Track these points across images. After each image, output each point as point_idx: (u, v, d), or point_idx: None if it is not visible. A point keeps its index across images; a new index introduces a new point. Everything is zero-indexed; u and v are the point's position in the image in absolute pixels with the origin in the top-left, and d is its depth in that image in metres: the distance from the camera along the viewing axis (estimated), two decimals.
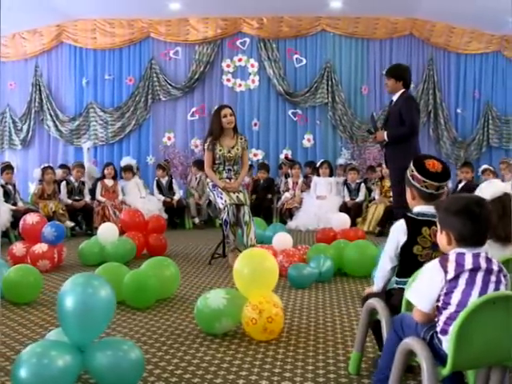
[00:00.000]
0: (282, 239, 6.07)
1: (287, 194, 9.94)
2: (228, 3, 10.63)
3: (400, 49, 11.40)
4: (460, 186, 8.40)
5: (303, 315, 4.41)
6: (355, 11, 10.74)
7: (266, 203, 9.87)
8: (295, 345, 3.71)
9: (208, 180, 6.63)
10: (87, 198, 9.23)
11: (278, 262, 5.65)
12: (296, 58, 11.44)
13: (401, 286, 2.97)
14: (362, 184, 9.78)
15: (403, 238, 2.93)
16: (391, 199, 9.00)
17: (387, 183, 9.36)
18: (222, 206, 6.28)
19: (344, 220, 7.44)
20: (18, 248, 6.03)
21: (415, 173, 3.00)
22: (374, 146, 11.24)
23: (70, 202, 8.92)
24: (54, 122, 11.44)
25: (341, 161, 11.10)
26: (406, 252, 2.95)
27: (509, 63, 11.49)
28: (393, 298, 3.05)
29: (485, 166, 8.23)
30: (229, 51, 11.48)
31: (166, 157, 11.25)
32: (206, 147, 6.53)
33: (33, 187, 10.24)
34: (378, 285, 3.14)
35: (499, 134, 11.47)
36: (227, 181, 6.46)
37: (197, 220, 9.72)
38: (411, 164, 3.05)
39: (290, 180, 10.19)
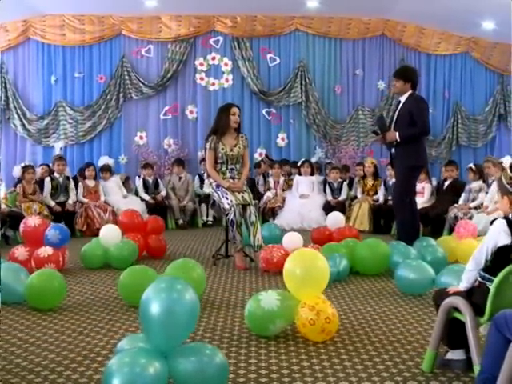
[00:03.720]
0: (293, 239, 6.05)
1: (269, 194, 9.92)
2: (201, 1, 10.52)
3: (372, 49, 11.54)
4: (446, 184, 8.58)
5: (340, 315, 4.39)
6: (332, 11, 10.81)
7: None
8: (352, 345, 3.70)
9: (211, 180, 6.53)
10: (72, 194, 8.96)
11: None
12: (270, 57, 11.41)
13: (485, 282, 2.98)
14: (344, 183, 9.85)
15: (504, 240, 2.94)
16: (374, 197, 9.20)
17: (369, 182, 9.48)
18: (227, 206, 6.20)
19: (338, 219, 7.48)
20: (21, 252, 5.79)
21: None
22: (347, 145, 11.40)
23: (52, 203, 8.62)
24: (21, 120, 11.01)
25: (314, 159, 11.14)
26: (502, 255, 2.95)
27: (476, 64, 11.81)
28: (474, 296, 3.07)
29: (469, 165, 8.44)
30: (202, 49, 11.35)
31: (139, 156, 11.08)
32: (208, 146, 6.45)
33: (2, 188, 9.89)
34: (468, 282, 3.12)
35: (468, 133, 11.78)
36: (231, 181, 6.40)
37: (181, 221, 9.60)
38: (508, 171, 3.03)
39: (271, 179, 10.17)
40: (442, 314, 3.16)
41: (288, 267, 3.91)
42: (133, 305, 4.63)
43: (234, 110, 6.43)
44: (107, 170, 9.64)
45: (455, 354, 3.29)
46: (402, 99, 6.59)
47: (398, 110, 6.63)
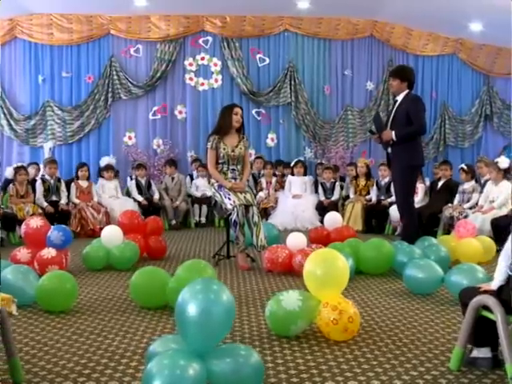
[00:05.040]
0: (297, 239, 6.07)
1: (261, 194, 9.91)
2: (190, 1, 10.49)
3: (361, 49, 11.65)
4: (440, 183, 8.65)
5: None
6: (322, 12, 10.85)
7: None
8: (374, 344, 3.72)
9: (213, 180, 6.52)
10: (64, 196, 8.87)
11: (297, 263, 5.71)
12: (259, 58, 11.43)
13: None
14: (337, 183, 9.90)
15: None
16: (367, 197, 9.25)
17: (362, 182, 9.53)
18: (230, 207, 6.19)
19: (336, 219, 7.53)
20: (23, 254, 5.71)
21: None
22: (336, 145, 11.46)
23: (45, 204, 8.52)
24: (8, 120, 10.90)
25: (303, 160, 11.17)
26: None
27: (463, 65, 11.97)
28: (503, 293, 3.10)
29: (461, 166, 8.54)
30: (191, 49, 11.34)
31: (128, 157, 11.03)
32: (209, 146, 6.43)
33: None
34: (500, 279, 3.13)
35: (455, 133, 11.96)
36: (233, 181, 6.39)
37: (174, 221, 9.56)
38: None
39: (263, 179, 10.17)
40: (471, 312, 3.18)
41: (308, 268, 3.92)
42: (144, 306, 4.61)
43: (237, 109, 6.44)
44: (112, 169, 9.55)
45: (481, 352, 3.31)
46: (399, 98, 6.62)
47: (394, 110, 6.66)
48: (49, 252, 5.60)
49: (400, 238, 6.66)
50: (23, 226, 5.91)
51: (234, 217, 6.14)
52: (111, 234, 6.26)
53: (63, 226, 6.15)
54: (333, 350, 3.62)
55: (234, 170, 6.45)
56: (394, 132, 6.40)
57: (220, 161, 6.43)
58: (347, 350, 3.60)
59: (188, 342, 2.84)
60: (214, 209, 6.80)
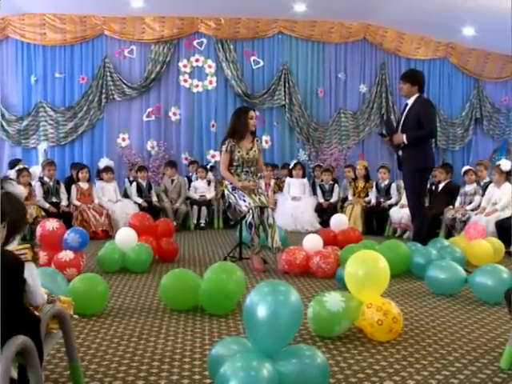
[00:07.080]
0: (313, 241, 6.11)
1: None
2: (185, 3, 10.47)
3: (354, 53, 11.77)
4: (440, 186, 8.76)
5: None
6: (318, 15, 10.91)
7: None
8: (417, 344, 3.77)
9: (226, 182, 6.52)
10: (64, 198, 8.79)
11: (315, 264, 5.75)
12: (253, 60, 11.46)
13: None
14: (336, 185, 9.96)
15: None
16: (366, 199, 9.33)
17: (361, 184, 9.60)
18: (245, 209, 6.20)
19: (341, 221, 7.61)
20: (40, 256, 5.65)
21: None
22: (329, 148, 11.54)
23: (47, 205, 8.42)
24: (0, 121, 10.75)
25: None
26: None
27: (454, 69, 12.15)
28: None
29: (466, 167, 8.68)
30: (186, 51, 11.33)
31: (123, 159, 10.96)
32: (224, 149, 6.43)
33: None
34: None
35: (446, 136, 12.12)
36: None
37: (174, 223, 9.50)
38: None
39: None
40: None
41: (350, 268, 3.95)
42: (174, 308, 4.59)
43: (252, 113, 6.45)
44: (112, 171, 9.47)
45: None
46: (409, 102, 6.70)
47: (405, 113, 6.74)
48: (66, 254, 5.56)
49: (412, 239, 6.74)
50: (38, 228, 5.86)
51: (249, 219, 6.15)
52: (125, 236, 6.22)
53: (80, 228, 6.10)
54: (379, 350, 3.65)
55: (247, 172, 6.46)
56: (405, 135, 6.47)
57: (234, 163, 6.43)
58: (393, 351, 3.64)
59: (257, 344, 2.85)
60: (228, 210, 6.74)
